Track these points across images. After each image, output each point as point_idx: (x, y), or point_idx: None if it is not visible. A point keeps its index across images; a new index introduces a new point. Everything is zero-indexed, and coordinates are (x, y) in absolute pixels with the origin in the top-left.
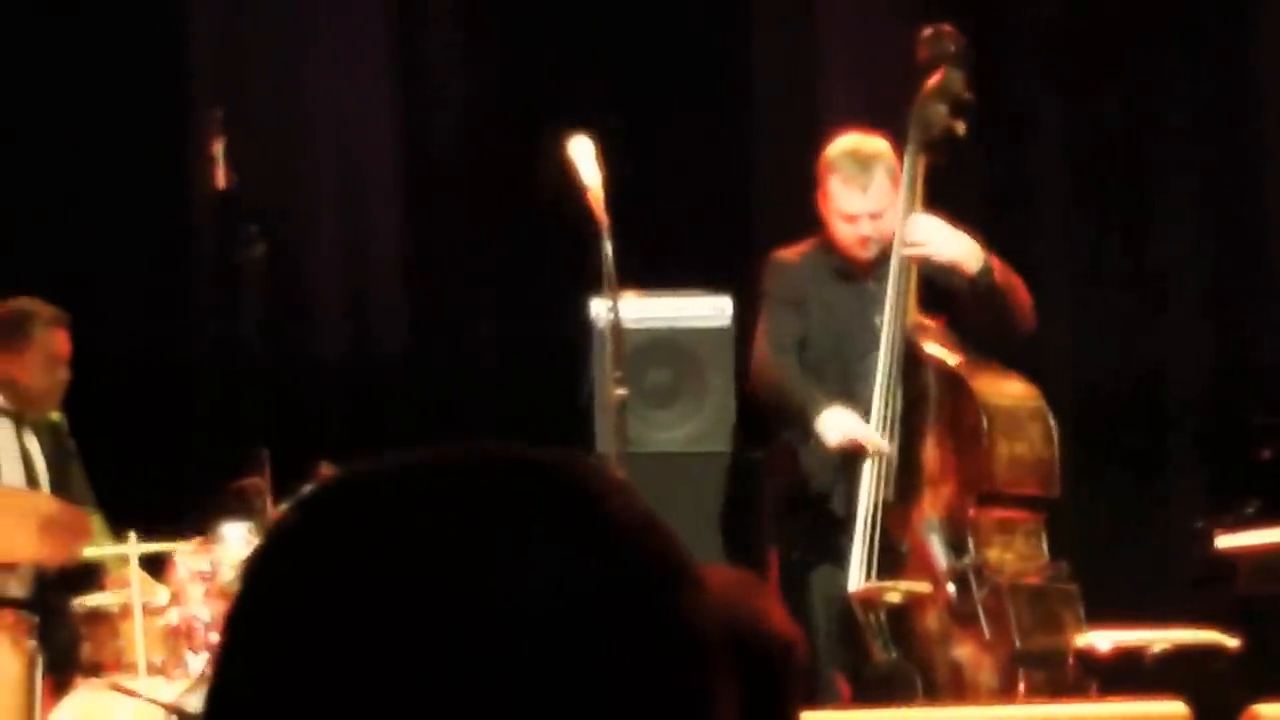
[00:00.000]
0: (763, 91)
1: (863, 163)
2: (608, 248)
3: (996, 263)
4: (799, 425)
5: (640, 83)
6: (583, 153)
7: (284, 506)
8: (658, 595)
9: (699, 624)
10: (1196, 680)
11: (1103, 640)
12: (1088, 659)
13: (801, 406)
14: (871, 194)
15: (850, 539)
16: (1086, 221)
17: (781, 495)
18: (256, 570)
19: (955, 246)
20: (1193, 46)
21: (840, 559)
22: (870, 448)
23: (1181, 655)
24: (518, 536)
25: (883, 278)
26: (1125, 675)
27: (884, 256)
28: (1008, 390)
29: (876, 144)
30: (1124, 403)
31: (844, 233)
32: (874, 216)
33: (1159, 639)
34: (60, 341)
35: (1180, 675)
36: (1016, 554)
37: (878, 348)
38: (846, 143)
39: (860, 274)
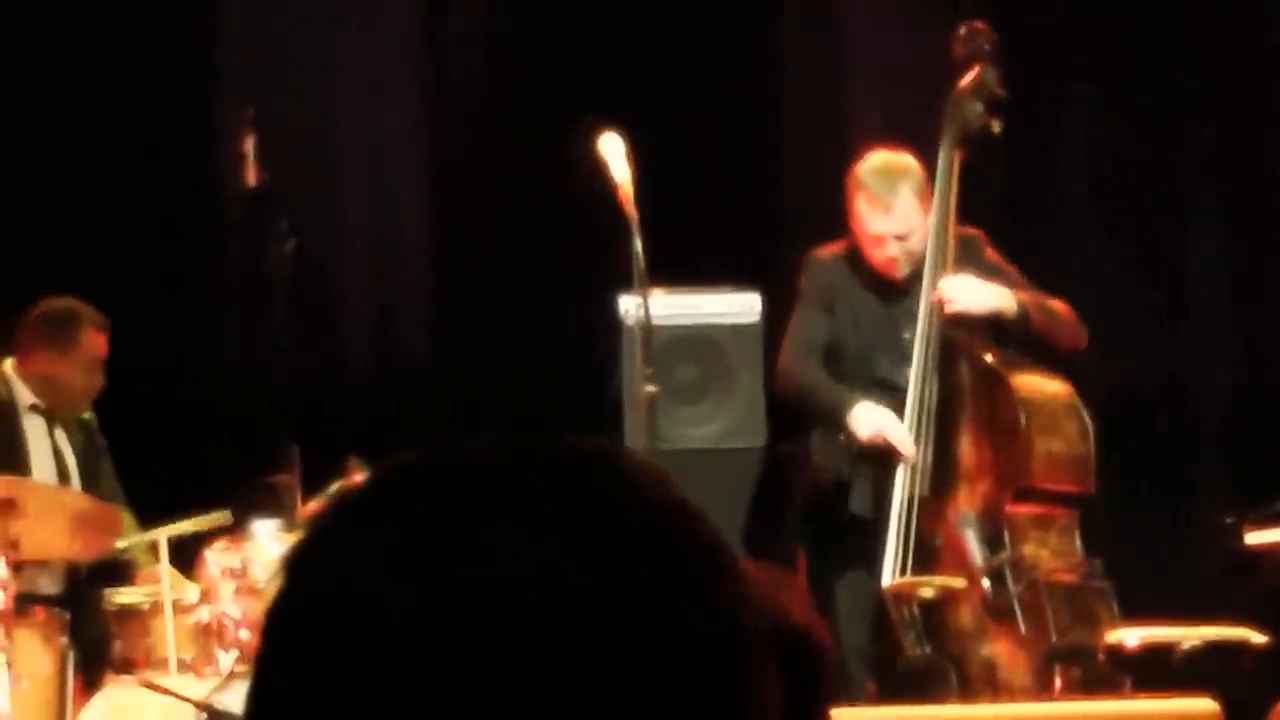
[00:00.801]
0: (792, 88)
1: (889, 182)
2: (637, 244)
3: (1029, 298)
4: (829, 422)
5: (670, 79)
6: (613, 149)
7: (316, 504)
8: (698, 584)
9: (742, 613)
10: (1226, 676)
11: (1132, 636)
12: (1117, 655)
13: (832, 403)
14: (897, 214)
15: (880, 535)
16: (1113, 222)
17: (810, 491)
18: (291, 570)
19: (988, 298)
20: (1217, 50)
21: (870, 555)
22: (899, 449)
23: (1211, 651)
24: (529, 526)
25: (917, 294)
26: (1154, 671)
27: (918, 273)
28: (1044, 387)
29: (904, 162)
30: (1152, 402)
31: (872, 254)
32: (900, 238)
33: (1188, 635)
34: (101, 345)
35: (1210, 671)
36: (1051, 550)
37: (907, 364)
38: (874, 161)
39: (895, 291)
